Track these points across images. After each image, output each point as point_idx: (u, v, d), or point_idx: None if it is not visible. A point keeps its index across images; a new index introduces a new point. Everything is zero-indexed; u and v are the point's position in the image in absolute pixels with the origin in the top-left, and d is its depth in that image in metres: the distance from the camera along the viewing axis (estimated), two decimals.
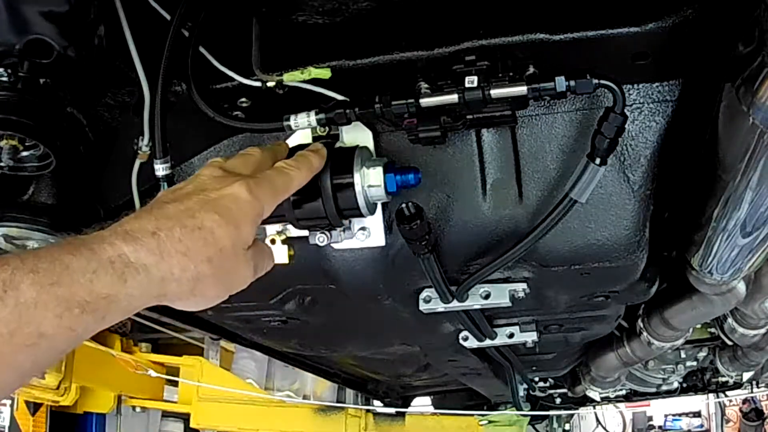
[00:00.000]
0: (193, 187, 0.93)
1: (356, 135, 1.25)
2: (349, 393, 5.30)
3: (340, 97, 1.19)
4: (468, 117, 1.14)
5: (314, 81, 1.17)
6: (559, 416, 6.08)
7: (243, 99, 1.26)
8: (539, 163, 1.31)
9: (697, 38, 1.12)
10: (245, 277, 0.95)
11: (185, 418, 4.94)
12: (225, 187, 0.93)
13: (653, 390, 4.57)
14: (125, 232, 0.81)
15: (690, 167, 1.45)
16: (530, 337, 2.11)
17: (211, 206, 0.89)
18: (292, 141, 1.27)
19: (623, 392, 4.90)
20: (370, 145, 1.26)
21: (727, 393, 4.91)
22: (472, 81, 1.09)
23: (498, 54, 1.13)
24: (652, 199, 1.35)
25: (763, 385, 4.94)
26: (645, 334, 2.68)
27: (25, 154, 1.19)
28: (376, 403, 4.70)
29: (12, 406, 4.38)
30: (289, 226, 1.27)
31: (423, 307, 1.64)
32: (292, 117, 1.17)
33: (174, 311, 2.23)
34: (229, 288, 0.93)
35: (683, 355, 3.85)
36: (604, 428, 7.13)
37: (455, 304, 1.62)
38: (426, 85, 1.13)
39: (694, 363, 3.99)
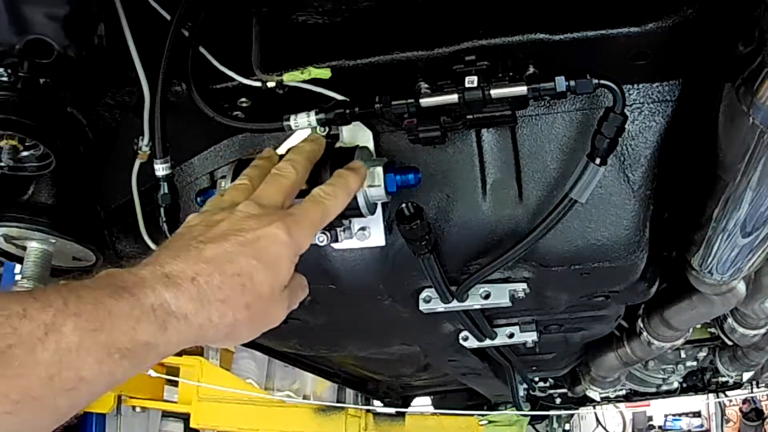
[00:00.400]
0: (229, 224, 0.91)
1: (356, 135, 1.25)
2: (349, 393, 5.31)
3: (340, 97, 1.19)
4: (468, 117, 1.14)
5: (314, 81, 1.17)
6: (559, 416, 6.08)
7: (243, 99, 1.26)
8: (539, 163, 1.31)
9: (697, 38, 1.12)
10: (279, 317, 0.94)
11: (185, 418, 4.95)
12: (263, 227, 0.91)
13: (653, 390, 4.57)
14: (165, 276, 0.80)
15: (690, 167, 1.45)
16: (530, 337, 2.11)
17: (250, 250, 0.87)
18: (292, 141, 1.27)
19: (623, 392, 4.90)
20: (370, 145, 1.26)
21: (727, 393, 4.91)
22: (472, 81, 1.09)
23: (498, 54, 1.13)
24: (652, 199, 1.35)
25: (763, 385, 4.95)
26: (645, 334, 2.68)
27: (25, 154, 1.19)
28: (376, 403, 4.70)
29: None
30: None
31: (423, 307, 1.64)
32: (292, 117, 1.17)
33: None
34: (262, 328, 0.93)
35: (683, 355, 3.85)
36: (604, 428, 7.14)
37: (455, 304, 1.62)
38: (426, 85, 1.13)
39: (694, 363, 3.99)
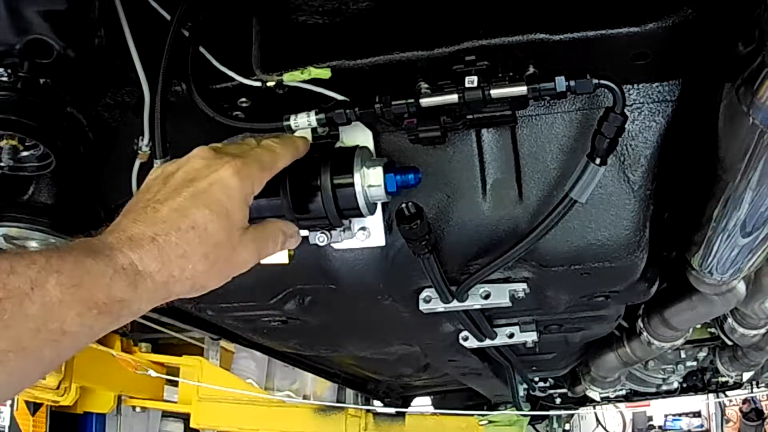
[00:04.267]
0: (182, 174, 0.96)
1: (356, 135, 1.25)
2: (349, 393, 5.30)
3: (340, 97, 1.19)
4: (468, 117, 1.14)
5: (314, 81, 1.17)
6: (559, 416, 6.08)
7: (243, 99, 1.26)
8: (539, 163, 1.31)
9: (697, 38, 1.12)
10: (245, 260, 0.98)
11: (185, 418, 4.94)
12: (213, 172, 0.95)
13: (653, 390, 4.57)
14: (129, 239, 0.86)
15: (690, 167, 1.45)
16: (530, 337, 2.11)
17: (202, 200, 0.92)
18: None
19: (623, 392, 4.90)
20: (370, 145, 1.26)
21: (727, 393, 4.91)
22: (472, 81, 1.09)
23: (498, 54, 1.13)
24: (652, 199, 1.35)
25: (763, 385, 4.95)
26: (645, 334, 2.68)
27: (25, 154, 1.19)
28: (376, 403, 4.70)
29: (12, 406, 4.38)
30: None
31: (423, 307, 1.64)
32: (292, 117, 1.17)
33: (174, 311, 2.24)
34: (229, 273, 0.97)
35: (683, 355, 3.85)
36: (604, 428, 7.13)
37: (455, 304, 1.62)
38: (426, 85, 1.13)
39: (694, 363, 3.99)
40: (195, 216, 0.90)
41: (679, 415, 13.82)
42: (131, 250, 0.84)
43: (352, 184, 1.16)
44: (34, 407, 4.45)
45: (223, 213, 0.93)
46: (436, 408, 5.03)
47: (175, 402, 4.94)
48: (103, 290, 0.79)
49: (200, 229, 0.90)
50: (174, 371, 4.73)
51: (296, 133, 1.25)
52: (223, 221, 0.92)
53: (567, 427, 7.12)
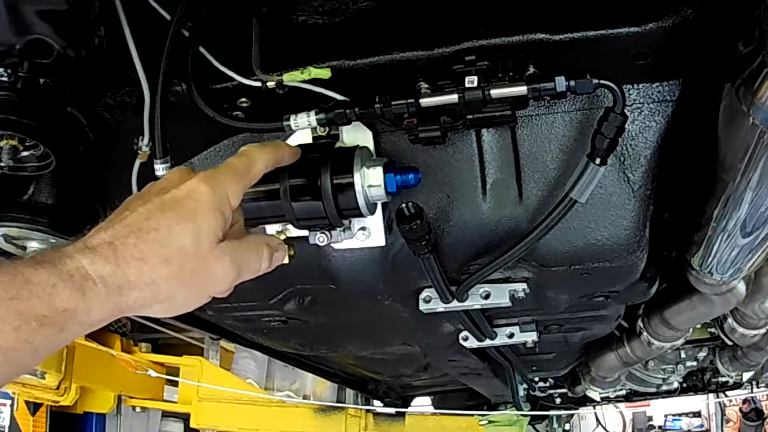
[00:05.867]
0: (157, 187, 0.91)
1: (356, 135, 1.25)
2: (349, 393, 5.30)
3: (340, 97, 1.19)
4: (468, 117, 1.14)
5: (314, 81, 1.17)
6: (559, 416, 6.08)
7: (243, 99, 1.26)
8: (539, 163, 1.31)
9: (697, 38, 1.12)
10: (221, 276, 0.90)
11: (185, 418, 4.94)
12: (183, 183, 0.90)
13: (653, 390, 4.57)
14: (84, 245, 0.81)
15: (690, 167, 1.45)
16: (530, 337, 2.11)
17: (167, 205, 0.87)
18: (292, 141, 1.27)
19: (623, 392, 4.90)
20: (370, 145, 1.26)
21: (727, 393, 4.91)
22: (472, 81, 1.09)
23: (498, 54, 1.13)
24: (652, 199, 1.35)
25: (763, 385, 4.94)
26: (645, 334, 2.68)
27: (25, 154, 1.19)
28: (376, 403, 4.70)
29: (12, 406, 4.38)
30: (289, 226, 1.27)
31: (423, 307, 1.64)
32: (292, 117, 1.17)
33: None
34: (201, 289, 0.90)
35: (683, 355, 3.85)
36: (604, 428, 7.13)
37: (455, 304, 1.62)
38: (426, 85, 1.13)
39: (694, 363, 3.99)
40: (159, 219, 0.85)
41: (679, 415, 13.82)
42: (83, 255, 0.79)
43: (352, 184, 1.16)
44: (34, 407, 4.45)
45: (189, 217, 0.86)
46: (436, 408, 5.02)
47: (175, 402, 4.94)
48: (44, 300, 0.73)
49: (163, 231, 0.84)
50: (174, 371, 4.73)
51: (296, 133, 1.25)
52: (189, 225, 0.86)
53: (567, 427, 7.13)
